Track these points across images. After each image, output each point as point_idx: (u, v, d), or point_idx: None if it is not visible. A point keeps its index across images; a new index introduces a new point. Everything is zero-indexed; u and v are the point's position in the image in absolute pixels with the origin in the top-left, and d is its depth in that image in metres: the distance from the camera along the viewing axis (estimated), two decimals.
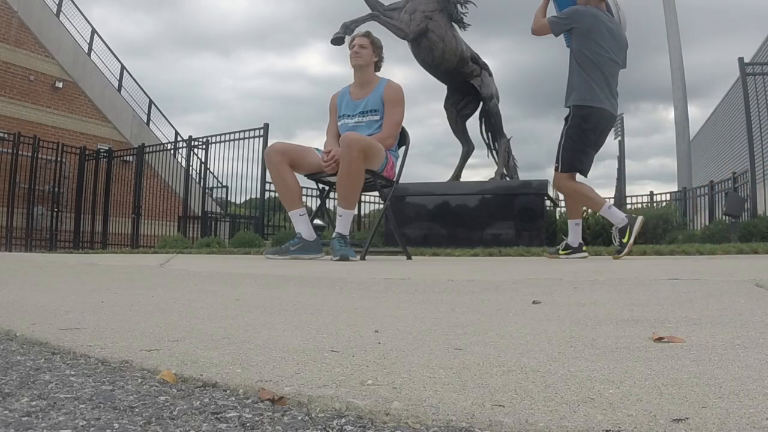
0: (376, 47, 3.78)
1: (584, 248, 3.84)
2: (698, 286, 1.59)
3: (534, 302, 1.33)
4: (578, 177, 3.73)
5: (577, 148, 3.61)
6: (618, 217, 3.63)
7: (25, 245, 10.45)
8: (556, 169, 3.71)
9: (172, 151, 11.23)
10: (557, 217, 7.21)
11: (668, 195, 11.67)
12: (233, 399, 0.61)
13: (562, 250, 3.80)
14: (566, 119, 3.67)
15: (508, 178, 6.57)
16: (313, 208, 4.41)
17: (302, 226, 3.57)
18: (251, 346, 0.85)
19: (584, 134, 3.58)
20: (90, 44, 15.16)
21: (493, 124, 6.64)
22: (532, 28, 3.76)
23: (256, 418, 0.55)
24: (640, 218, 3.58)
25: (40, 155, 10.79)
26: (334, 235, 3.43)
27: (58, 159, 11.12)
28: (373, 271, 2.36)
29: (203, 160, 10.05)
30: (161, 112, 18.91)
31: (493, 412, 0.54)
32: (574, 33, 3.59)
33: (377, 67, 3.81)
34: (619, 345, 0.85)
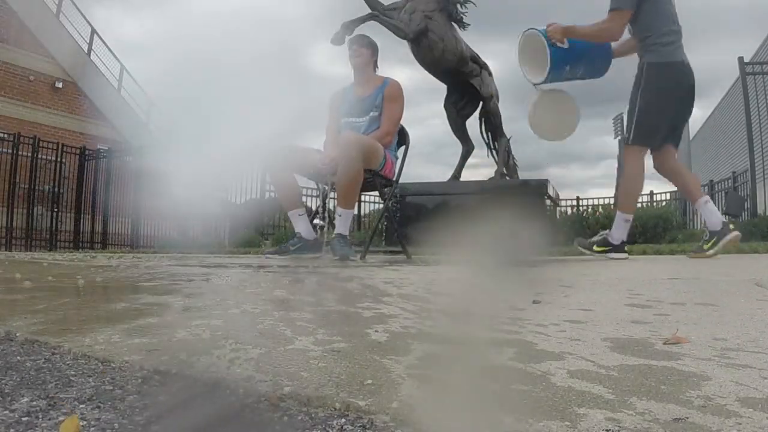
0: (373, 48, 3.81)
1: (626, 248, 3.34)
2: (698, 285, 1.59)
3: (534, 302, 1.33)
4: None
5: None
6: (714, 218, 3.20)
7: (25, 245, 10.45)
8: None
9: None
10: (557, 216, 7.21)
11: (668, 195, 11.69)
12: (234, 399, 0.61)
13: (598, 246, 3.33)
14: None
15: (507, 178, 6.57)
16: (313, 208, 4.41)
17: (302, 226, 3.58)
18: (250, 346, 0.85)
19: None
20: (90, 44, 15.17)
21: (493, 124, 6.63)
22: (612, 43, 3.24)
23: (257, 418, 0.55)
24: (736, 233, 3.14)
25: (40, 155, 10.79)
26: (333, 234, 3.43)
27: (58, 159, 11.12)
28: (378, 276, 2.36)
29: None
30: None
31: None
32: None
33: (375, 66, 3.83)
34: (618, 345, 0.85)
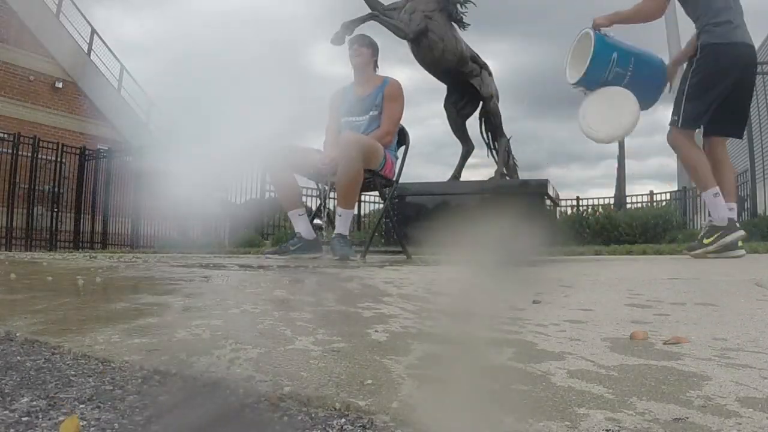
0: (374, 47, 3.81)
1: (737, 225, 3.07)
2: (698, 285, 1.59)
3: (534, 302, 1.33)
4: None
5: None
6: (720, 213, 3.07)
7: (25, 245, 10.45)
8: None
9: None
10: (557, 216, 7.22)
11: (668, 195, 11.70)
12: (233, 399, 0.61)
13: (707, 237, 3.08)
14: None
15: (507, 178, 6.57)
16: (313, 208, 4.41)
17: (302, 226, 3.58)
18: (250, 346, 0.85)
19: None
20: (90, 44, 15.18)
21: (493, 124, 6.63)
22: (654, 15, 3.14)
23: (257, 418, 0.55)
24: (740, 232, 3.05)
25: (40, 155, 10.79)
26: (333, 234, 3.43)
27: (58, 159, 11.12)
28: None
29: None
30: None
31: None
32: None
33: (375, 66, 3.84)
34: (618, 345, 0.85)
